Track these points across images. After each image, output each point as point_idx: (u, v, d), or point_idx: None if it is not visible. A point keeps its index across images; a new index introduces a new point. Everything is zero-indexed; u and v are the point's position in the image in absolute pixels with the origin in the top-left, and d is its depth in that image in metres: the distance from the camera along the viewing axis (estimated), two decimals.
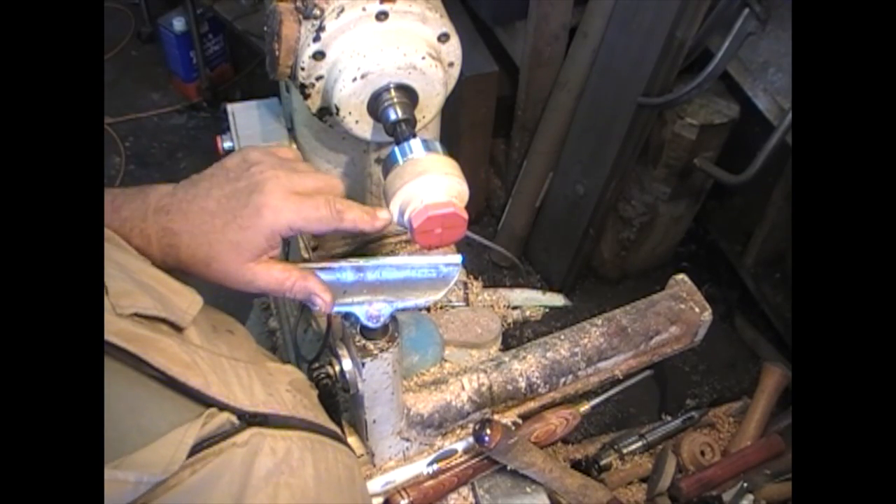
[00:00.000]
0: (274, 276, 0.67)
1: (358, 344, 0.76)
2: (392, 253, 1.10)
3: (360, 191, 1.01)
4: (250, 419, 0.60)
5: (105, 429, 0.49)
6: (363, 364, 0.77)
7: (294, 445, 0.63)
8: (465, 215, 0.72)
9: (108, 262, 0.59)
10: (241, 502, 0.57)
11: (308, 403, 0.72)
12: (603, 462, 1.33)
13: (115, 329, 0.53)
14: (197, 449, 0.54)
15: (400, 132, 0.76)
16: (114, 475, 0.48)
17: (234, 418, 0.59)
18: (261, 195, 0.64)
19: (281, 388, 0.69)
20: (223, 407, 0.58)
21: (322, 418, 0.73)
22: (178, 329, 0.61)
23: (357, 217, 0.68)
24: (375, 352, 0.76)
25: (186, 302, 0.63)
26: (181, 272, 0.67)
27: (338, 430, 0.74)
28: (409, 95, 0.79)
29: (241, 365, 0.65)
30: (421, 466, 0.96)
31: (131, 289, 0.58)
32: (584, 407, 1.08)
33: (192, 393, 0.57)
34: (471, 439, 0.95)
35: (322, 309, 0.69)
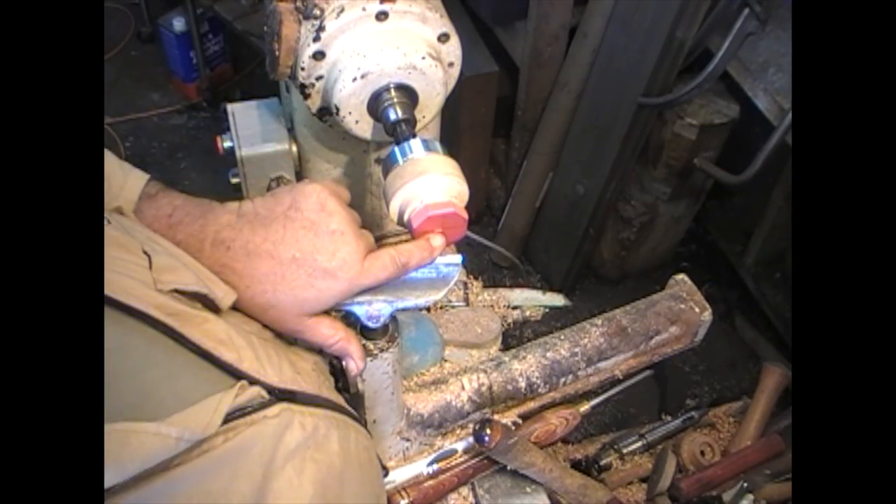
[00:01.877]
0: (321, 332, 0.68)
1: None
2: None
3: (360, 191, 1.01)
4: (280, 395, 0.61)
5: (143, 393, 0.52)
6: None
7: (321, 422, 0.64)
8: (465, 215, 0.72)
9: (151, 241, 0.62)
10: (270, 472, 0.58)
11: (330, 385, 0.74)
12: (603, 462, 1.33)
13: (156, 303, 0.55)
14: (230, 418, 0.56)
15: (400, 132, 0.76)
16: (157, 428, 0.50)
17: (264, 393, 0.60)
18: (341, 264, 0.65)
19: (307, 367, 0.70)
20: (254, 381, 0.60)
21: (342, 400, 0.74)
22: (214, 310, 0.63)
23: (419, 258, 0.69)
24: (375, 352, 0.76)
25: (223, 291, 0.64)
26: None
27: (354, 412, 0.74)
28: (409, 95, 0.79)
29: (271, 344, 0.66)
30: (421, 466, 0.96)
31: (174, 265, 0.60)
32: (584, 407, 1.09)
33: (226, 366, 0.58)
34: (471, 439, 0.95)
35: (350, 373, 0.72)
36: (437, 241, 0.71)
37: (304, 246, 0.64)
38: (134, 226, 0.65)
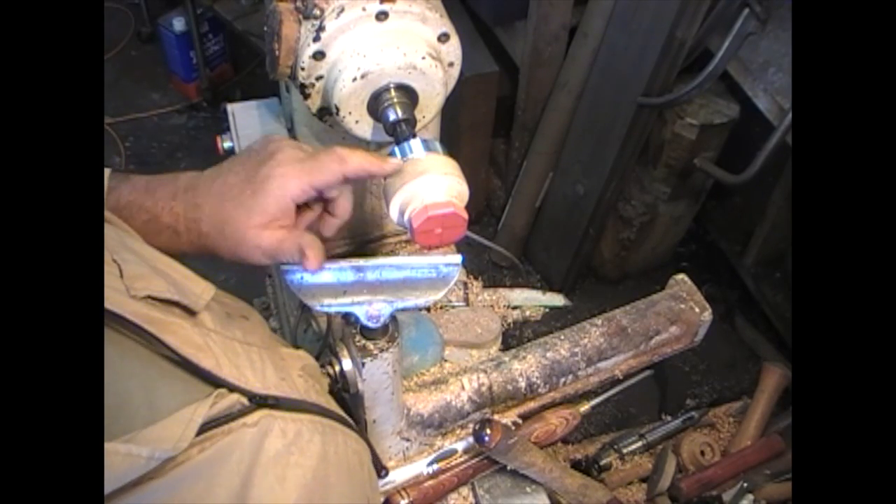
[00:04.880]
0: (276, 237, 0.70)
1: (358, 344, 0.76)
2: (392, 253, 1.10)
3: (360, 191, 1.01)
4: (261, 401, 0.61)
5: (116, 405, 0.51)
6: (363, 364, 0.77)
7: (304, 428, 0.64)
8: (465, 215, 0.72)
9: (123, 249, 0.61)
10: (250, 481, 0.57)
11: (320, 389, 0.73)
12: (603, 462, 1.33)
13: (131, 310, 0.55)
14: (206, 428, 0.55)
15: (400, 132, 0.76)
16: (128, 449, 0.49)
17: (244, 399, 0.59)
18: (272, 162, 0.69)
19: (293, 372, 0.70)
20: (234, 388, 0.59)
21: (334, 404, 0.73)
22: (191, 313, 0.63)
23: (363, 159, 0.71)
24: (375, 352, 0.76)
25: (200, 288, 0.65)
26: (204, 250, 0.71)
27: (348, 417, 0.74)
28: (409, 95, 0.79)
29: (255, 349, 0.66)
30: (421, 466, 0.96)
31: (146, 272, 0.60)
32: (584, 407, 1.09)
33: (204, 374, 0.58)
34: (471, 439, 0.95)
35: (307, 264, 0.71)
36: (395, 159, 0.72)
37: (246, 165, 0.71)
38: (106, 232, 0.64)
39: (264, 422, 0.60)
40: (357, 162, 0.70)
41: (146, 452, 0.50)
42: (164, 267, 0.64)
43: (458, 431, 0.99)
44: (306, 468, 0.62)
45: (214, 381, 0.58)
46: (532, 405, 1.03)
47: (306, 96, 0.81)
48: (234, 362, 0.61)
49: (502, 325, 1.12)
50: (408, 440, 0.95)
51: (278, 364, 0.68)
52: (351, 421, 0.75)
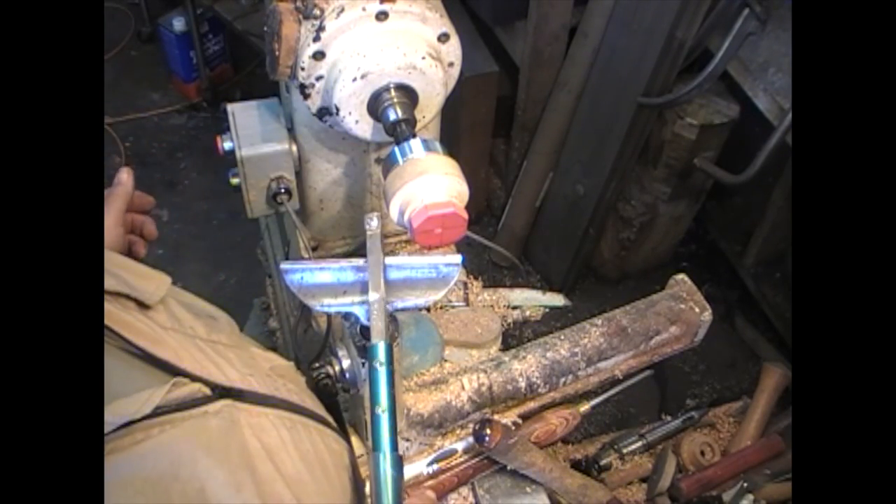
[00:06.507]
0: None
1: (358, 344, 0.76)
2: (392, 253, 1.10)
3: (360, 191, 1.01)
4: (223, 392, 0.61)
5: None
6: (363, 364, 0.77)
7: (268, 422, 0.64)
8: (465, 215, 0.72)
9: None
10: (215, 468, 0.57)
11: (294, 388, 0.73)
12: (603, 462, 1.33)
13: None
14: (166, 411, 0.55)
15: (400, 132, 0.76)
16: None
17: (206, 389, 0.59)
18: None
19: (262, 369, 0.70)
20: (195, 379, 0.59)
21: (310, 403, 0.73)
22: (145, 307, 0.64)
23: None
24: None
25: (154, 285, 0.66)
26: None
27: (326, 415, 0.74)
28: (409, 95, 0.79)
29: (220, 347, 0.67)
30: (421, 466, 0.96)
31: None
32: (584, 407, 1.09)
33: (163, 364, 0.58)
34: (471, 439, 0.95)
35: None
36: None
37: None
38: None
39: (227, 411, 0.60)
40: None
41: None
42: (115, 267, 0.65)
43: (458, 431, 0.99)
44: (274, 461, 0.62)
45: (174, 372, 0.58)
46: (532, 405, 1.03)
47: (306, 96, 0.81)
48: (193, 356, 0.62)
49: (502, 325, 1.12)
50: (408, 440, 0.95)
51: (246, 361, 0.68)
52: (331, 420, 0.74)
